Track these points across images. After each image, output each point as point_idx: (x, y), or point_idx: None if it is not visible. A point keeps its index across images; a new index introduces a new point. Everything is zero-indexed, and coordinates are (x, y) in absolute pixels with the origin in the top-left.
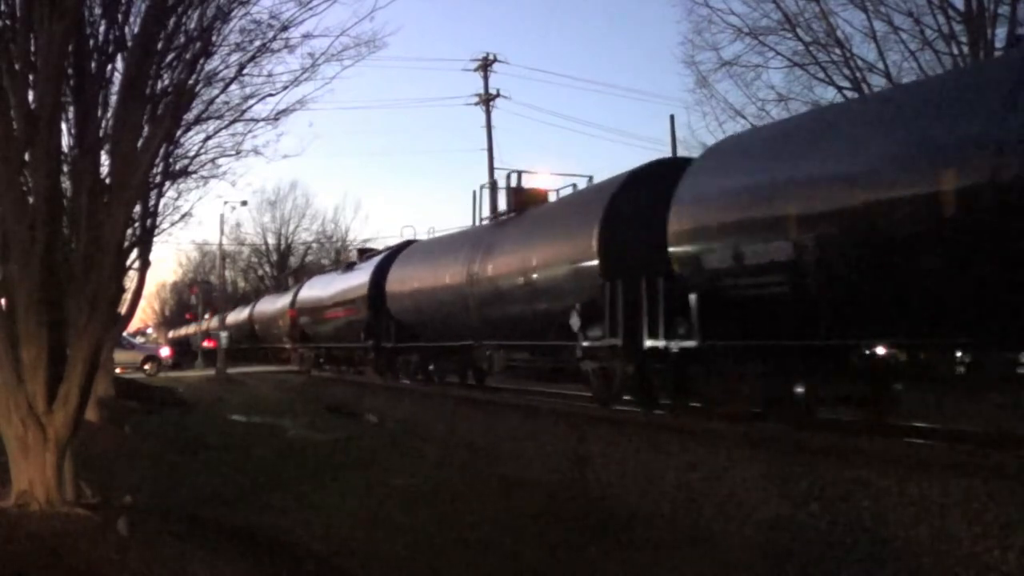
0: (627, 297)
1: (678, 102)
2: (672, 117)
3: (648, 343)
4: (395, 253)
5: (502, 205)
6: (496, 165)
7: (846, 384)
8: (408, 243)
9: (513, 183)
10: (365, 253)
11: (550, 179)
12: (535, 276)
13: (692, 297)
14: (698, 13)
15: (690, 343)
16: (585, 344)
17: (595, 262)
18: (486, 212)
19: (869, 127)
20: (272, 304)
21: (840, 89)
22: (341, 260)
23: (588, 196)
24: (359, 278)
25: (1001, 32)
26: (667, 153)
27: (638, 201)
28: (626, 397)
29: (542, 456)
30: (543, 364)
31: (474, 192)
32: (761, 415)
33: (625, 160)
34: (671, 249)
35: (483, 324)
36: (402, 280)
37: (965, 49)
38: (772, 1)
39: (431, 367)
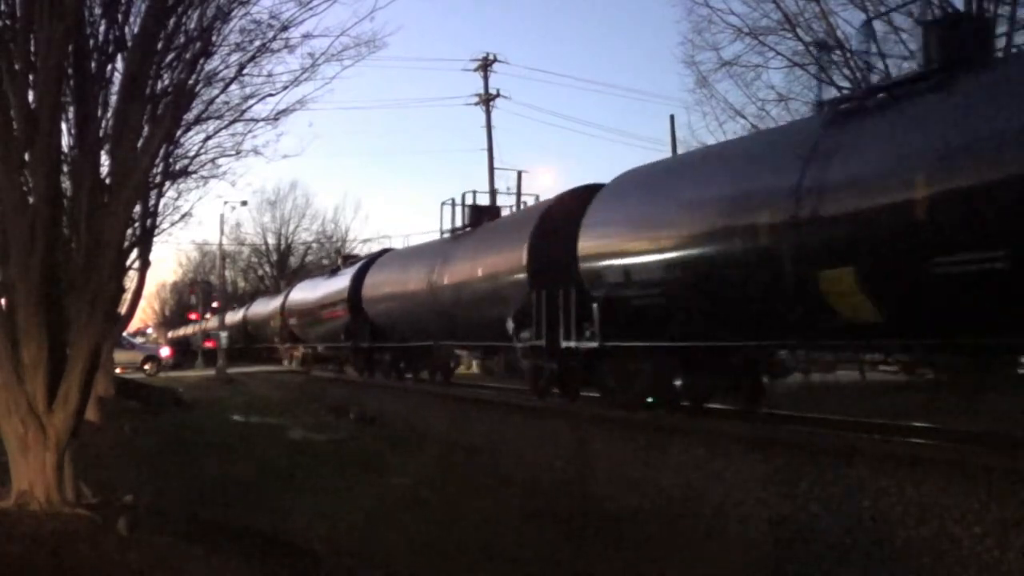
0: (550, 304)
1: (678, 102)
2: (672, 117)
3: (564, 344)
4: (372, 260)
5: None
6: (496, 165)
7: (719, 378)
8: (384, 251)
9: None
10: (349, 259)
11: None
12: (480, 285)
13: (595, 306)
14: (698, 13)
15: (593, 344)
16: (519, 345)
17: (524, 275)
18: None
19: (711, 172)
20: (264, 306)
21: (840, 89)
22: (338, 262)
23: (522, 216)
24: (341, 283)
25: (1001, 31)
26: (667, 153)
27: (560, 222)
28: (555, 390)
29: (535, 453)
30: (492, 363)
31: (442, 205)
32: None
33: (625, 160)
34: (580, 265)
35: (441, 327)
36: (376, 286)
37: None
38: (772, 1)
39: (401, 365)
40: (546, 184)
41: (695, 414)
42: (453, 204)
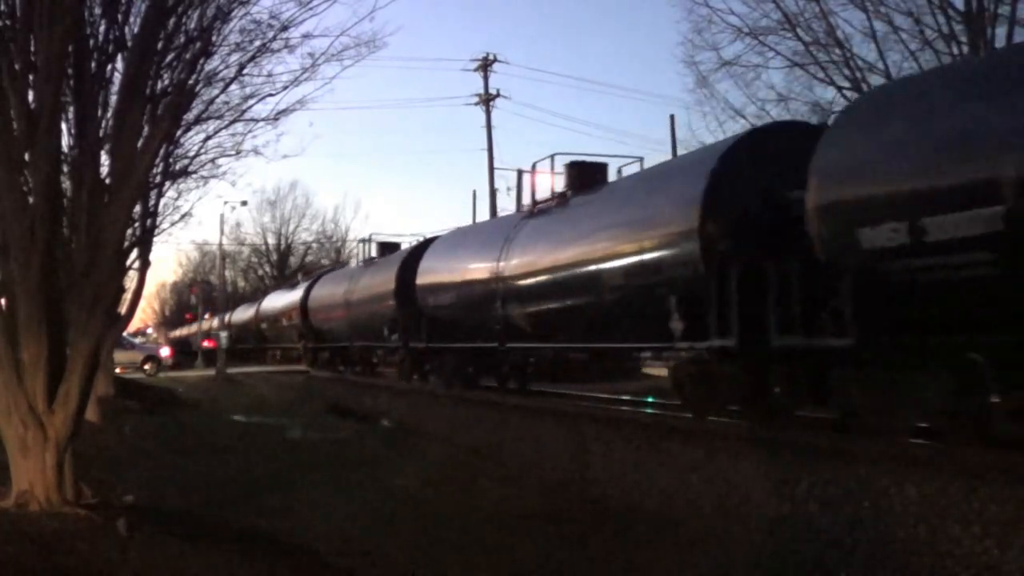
0: (406, 317)
1: (678, 102)
2: (672, 117)
3: (411, 344)
4: (318, 278)
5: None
6: (496, 165)
7: (498, 367)
8: (330, 269)
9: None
10: (307, 274)
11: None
12: (372, 302)
13: (423, 320)
14: (698, 13)
15: (422, 344)
16: (390, 345)
17: (392, 297)
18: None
19: (468, 240)
20: (244, 313)
21: (840, 89)
22: (298, 276)
23: (394, 256)
24: (296, 295)
25: (1001, 32)
26: (667, 153)
27: (414, 261)
28: (415, 376)
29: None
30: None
31: (358, 242)
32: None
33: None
34: (416, 293)
35: (354, 331)
36: (317, 298)
37: (965, 49)
38: (772, 1)
39: (337, 360)
40: (546, 184)
41: (492, 391)
42: (365, 241)
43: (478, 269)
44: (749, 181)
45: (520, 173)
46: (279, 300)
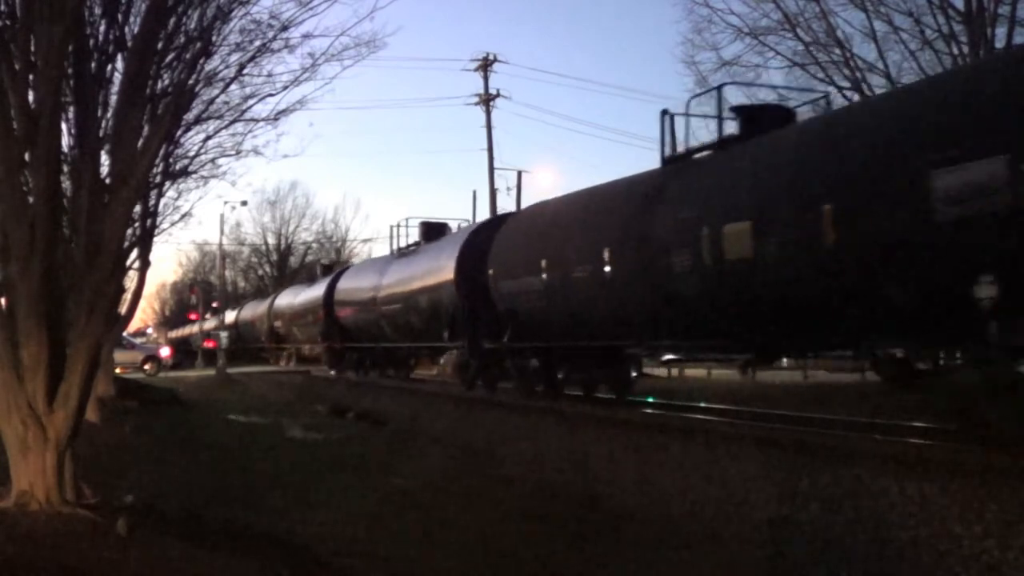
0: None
1: (678, 102)
2: (672, 117)
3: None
4: (244, 304)
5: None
6: (496, 165)
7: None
8: (246, 303)
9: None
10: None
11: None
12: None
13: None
14: (698, 13)
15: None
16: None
17: (267, 320)
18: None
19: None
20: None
21: (840, 89)
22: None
23: (265, 298)
24: (231, 316)
25: (1001, 32)
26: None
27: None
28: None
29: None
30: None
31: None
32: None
33: (624, 160)
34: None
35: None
36: (242, 317)
37: (965, 49)
38: (772, 1)
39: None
40: (546, 184)
41: None
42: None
43: None
44: None
45: (520, 174)
46: (228, 319)
